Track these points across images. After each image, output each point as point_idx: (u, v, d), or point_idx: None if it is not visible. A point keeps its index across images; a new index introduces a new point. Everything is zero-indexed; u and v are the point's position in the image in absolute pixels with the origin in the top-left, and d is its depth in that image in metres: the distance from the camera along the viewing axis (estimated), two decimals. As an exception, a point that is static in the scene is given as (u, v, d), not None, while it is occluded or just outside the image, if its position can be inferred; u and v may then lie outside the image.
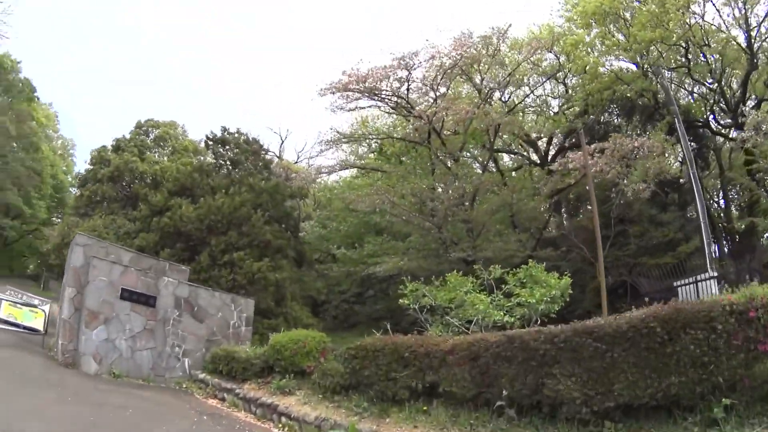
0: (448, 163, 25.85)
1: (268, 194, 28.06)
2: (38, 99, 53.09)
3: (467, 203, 23.91)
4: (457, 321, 13.58)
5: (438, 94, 25.46)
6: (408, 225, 26.53)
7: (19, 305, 18.54)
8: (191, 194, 27.82)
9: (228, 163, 31.82)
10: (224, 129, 32.42)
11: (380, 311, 27.65)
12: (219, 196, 26.43)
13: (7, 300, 18.45)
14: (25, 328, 17.58)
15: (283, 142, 70.53)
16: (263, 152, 33.07)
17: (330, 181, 39.79)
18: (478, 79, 26.17)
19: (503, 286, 14.49)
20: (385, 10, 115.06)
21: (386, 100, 26.86)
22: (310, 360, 13.53)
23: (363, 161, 34.41)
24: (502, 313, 13.40)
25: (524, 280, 14.36)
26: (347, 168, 33.21)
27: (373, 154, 34.14)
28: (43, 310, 18.14)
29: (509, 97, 28.76)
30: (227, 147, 32.05)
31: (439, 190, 24.84)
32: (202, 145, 37.41)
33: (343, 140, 30.80)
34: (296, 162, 43.85)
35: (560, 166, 22.16)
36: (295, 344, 13.81)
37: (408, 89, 25.77)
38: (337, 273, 30.12)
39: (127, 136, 42.67)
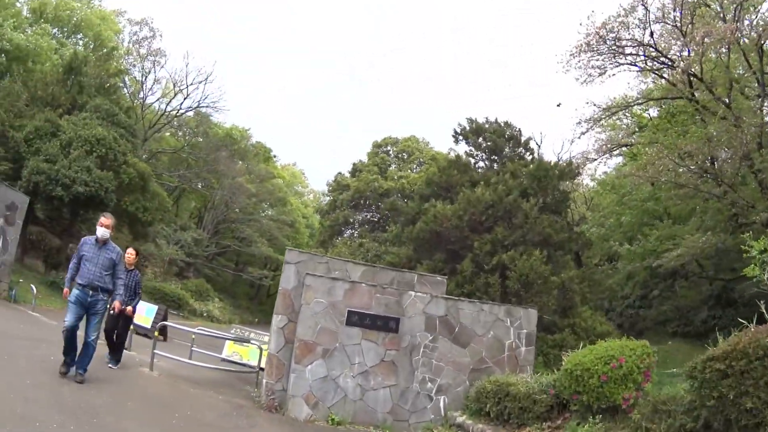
0: (720, 111, 20.59)
1: (533, 178, 22.50)
2: (275, 158, 59.55)
3: (754, 152, 19.13)
4: None
5: (685, 32, 21.14)
6: (693, 199, 23.00)
7: (245, 343, 17.70)
8: (448, 194, 23.61)
9: (486, 153, 28.08)
10: (471, 120, 28.53)
11: (667, 313, 25.75)
12: (479, 188, 21.45)
13: (231, 339, 17.57)
14: (248, 366, 16.23)
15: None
16: (520, 135, 28.46)
17: (597, 174, 36.81)
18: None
19: None
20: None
21: (633, 58, 23.27)
22: (628, 387, 8.59)
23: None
24: None
25: None
26: (613, 149, 28.65)
27: (633, 136, 29.72)
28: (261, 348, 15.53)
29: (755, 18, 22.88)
30: (481, 137, 28.04)
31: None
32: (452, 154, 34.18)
33: (602, 115, 26.79)
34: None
35: None
36: (605, 364, 8.75)
37: (652, 34, 22.03)
38: (619, 276, 27.87)
39: (364, 160, 42.79)
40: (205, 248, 45.47)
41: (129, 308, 10.84)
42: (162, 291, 33.21)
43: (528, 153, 27.90)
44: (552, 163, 25.01)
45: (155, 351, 11.84)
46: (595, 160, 28.56)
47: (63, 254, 25.73)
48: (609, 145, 27.69)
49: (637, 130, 29.73)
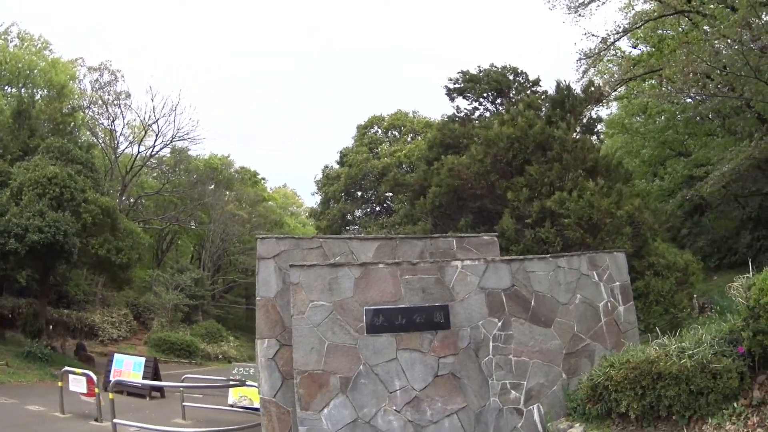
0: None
1: (555, 103, 18.74)
2: (264, 180, 57.95)
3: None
4: None
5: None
6: (712, 122, 23.05)
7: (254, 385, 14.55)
8: (456, 150, 20.16)
9: (490, 99, 26.03)
10: (464, 72, 26.49)
11: (704, 248, 24.42)
12: (494, 127, 17.65)
13: (234, 384, 14.99)
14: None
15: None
16: (527, 75, 26.30)
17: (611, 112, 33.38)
18: None
19: None
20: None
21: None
22: None
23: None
24: None
25: None
26: (615, 88, 25.75)
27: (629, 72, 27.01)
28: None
29: None
30: (478, 85, 25.82)
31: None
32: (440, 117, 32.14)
33: (601, 47, 24.37)
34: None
35: None
36: None
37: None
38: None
39: (349, 145, 40.80)
40: (209, 287, 42.94)
41: None
42: (168, 341, 31.23)
43: (534, 91, 24.98)
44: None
45: (115, 421, 9.70)
46: (616, 85, 26.17)
47: (42, 319, 24.29)
48: (608, 87, 25.04)
49: (631, 68, 27.22)
